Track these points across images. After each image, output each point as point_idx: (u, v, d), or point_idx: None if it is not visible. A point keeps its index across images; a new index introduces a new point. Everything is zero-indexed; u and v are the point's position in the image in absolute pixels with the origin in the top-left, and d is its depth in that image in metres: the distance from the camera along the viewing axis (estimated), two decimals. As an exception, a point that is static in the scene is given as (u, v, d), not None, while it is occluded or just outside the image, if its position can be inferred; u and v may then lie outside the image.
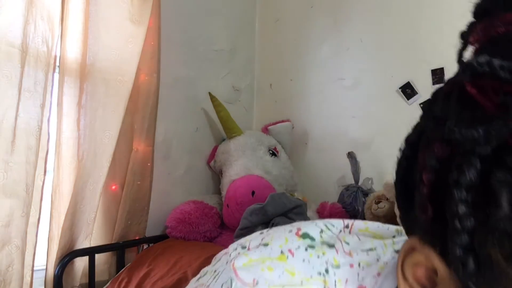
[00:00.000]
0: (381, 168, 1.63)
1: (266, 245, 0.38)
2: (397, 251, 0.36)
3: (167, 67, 1.63)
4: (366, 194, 1.60)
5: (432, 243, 0.27)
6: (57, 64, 1.28)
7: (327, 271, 0.35)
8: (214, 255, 1.45)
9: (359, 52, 1.75)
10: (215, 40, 1.92)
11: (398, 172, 0.31)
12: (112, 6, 1.39)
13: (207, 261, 1.29)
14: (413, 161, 0.29)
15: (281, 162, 1.72)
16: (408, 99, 1.60)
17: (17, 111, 1.16)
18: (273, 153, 1.71)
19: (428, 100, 0.29)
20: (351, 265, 0.35)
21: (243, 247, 0.39)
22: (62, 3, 1.27)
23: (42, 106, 1.21)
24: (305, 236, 0.38)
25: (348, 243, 0.37)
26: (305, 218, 1.47)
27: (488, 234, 0.23)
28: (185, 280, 1.24)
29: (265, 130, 1.81)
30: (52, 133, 1.27)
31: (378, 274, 0.34)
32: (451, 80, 0.27)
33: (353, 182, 1.65)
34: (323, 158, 1.85)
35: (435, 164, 0.26)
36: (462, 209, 0.24)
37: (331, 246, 0.37)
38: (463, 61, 0.29)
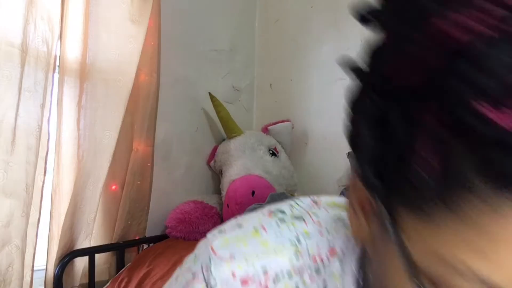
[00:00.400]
0: (381, 168, 1.63)
1: (240, 226, 0.41)
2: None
3: (167, 67, 1.63)
4: (366, 194, 1.60)
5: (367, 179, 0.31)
6: (57, 64, 1.28)
7: (298, 240, 0.38)
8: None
9: (359, 52, 1.75)
10: (215, 40, 1.92)
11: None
12: (112, 6, 1.39)
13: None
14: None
15: (281, 162, 1.72)
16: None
17: (17, 111, 1.16)
18: (273, 153, 1.71)
19: None
20: (321, 233, 0.39)
21: (220, 232, 0.41)
22: (62, 3, 1.27)
23: (42, 106, 1.21)
24: (276, 212, 0.41)
25: (316, 215, 0.40)
26: (305, 218, 1.47)
27: (386, 156, 0.26)
28: (185, 280, 1.24)
29: (265, 130, 1.81)
30: (52, 133, 1.27)
31: (348, 238, 0.38)
32: None
33: (353, 182, 1.65)
34: (323, 158, 1.85)
35: (350, 102, 0.32)
36: (364, 129, 0.28)
37: (300, 218, 0.40)
38: None
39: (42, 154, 1.22)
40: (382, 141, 0.26)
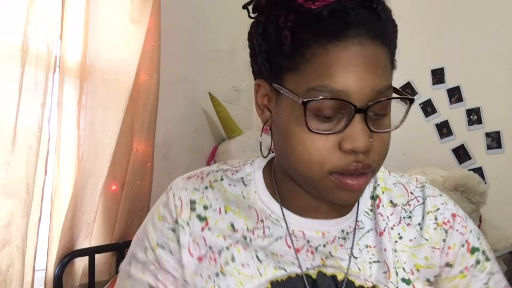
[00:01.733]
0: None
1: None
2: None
3: (167, 67, 1.63)
4: (366, 194, 1.60)
5: (260, 75, 0.50)
6: (57, 64, 1.28)
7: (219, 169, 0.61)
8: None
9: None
10: (215, 40, 1.92)
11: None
12: (112, 6, 1.39)
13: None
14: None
15: (281, 162, 1.72)
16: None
17: (17, 111, 1.16)
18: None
19: None
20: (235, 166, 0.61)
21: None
22: (62, 3, 1.27)
23: (42, 106, 1.21)
24: (206, 172, 0.61)
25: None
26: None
27: (270, 49, 0.47)
28: (185, 280, 1.24)
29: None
30: (52, 133, 1.27)
31: (252, 160, 0.62)
32: None
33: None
34: (323, 158, 1.85)
35: (250, 31, 0.54)
36: (257, 41, 0.49)
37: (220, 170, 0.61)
38: None
39: (42, 154, 1.22)
40: (266, 42, 0.46)
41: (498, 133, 1.66)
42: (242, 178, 0.56)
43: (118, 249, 1.48)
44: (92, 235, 1.39)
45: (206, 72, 1.87)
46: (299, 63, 0.43)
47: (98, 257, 1.41)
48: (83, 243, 1.37)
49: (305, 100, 0.42)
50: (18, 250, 1.16)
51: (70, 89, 1.32)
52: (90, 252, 1.38)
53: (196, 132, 1.83)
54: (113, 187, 1.48)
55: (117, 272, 1.45)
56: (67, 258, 1.31)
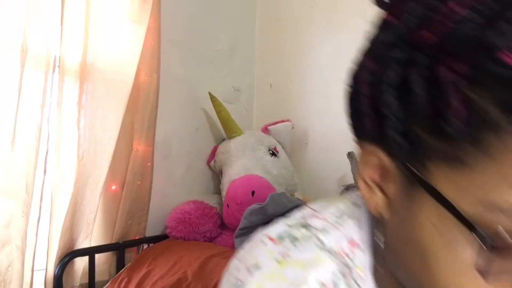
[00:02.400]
0: (381, 168, 1.63)
1: (257, 266, 0.37)
2: (354, 204, 0.40)
3: (167, 67, 1.62)
4: (366, 194, 1.60)
5: (378, 141, 0.32)
6: (57, 64, 1.28)
7: (321, 241, 0.37)
8: (214, 255, 1.45)
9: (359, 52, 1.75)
10: (215, 40, 1.92)
11: (346, 99, 0.36)
12: (112, 6, 1.39)
13: (207, 261, 1.29)
14: (355, 88, 0.35)
15: (281, 162, 1.72)
16: (408, 99, 1.60)
17: (17, 111, 1.16)
18: (273, 153, 1.71)
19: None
20: (334, 227, 0.38)
21: (242, 284, 0.37)
22: (62, 3, 1.27)
23: (42, 106, 1.21)
24: (280, 238, 0.38)
25: (318, 214, 0.39)
26: (305, 218, 1.47)
27: (412, 116, 0.28)
28: (185, 280, 1.24)
29: (265, 130, 1.81)
30: (52, 133, 1.27)
31: (358, 227, 0.38)
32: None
33: (353, 182, 1.65)
34: (323, 158, 1.85)
35: (368, 76, 0.32)
36: (388, 97, 0.29)
37: (306, 225, 0.38)
38: None
39: (42, 154, 1.22)
40: (406, 103, 0.28)
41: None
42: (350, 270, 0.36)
43: (118, 249, 1.48)
44: (92, 235, 1.39)
45: (206, 72, 1.87)
46: (470, 155, 0.25)
47: (98, 257, 1.42)
48: (83, 243, 1.37)
49: (494, 244, 0.24)
50: (18, 250, 1.16)
51: (70, 89, 1.32)
52: (90, 252, 1.38)
53: (196, 132, 1.83)
54: (113, 187, 1.48)
55: (117, 272, 1.45)
56: (67, 258, 1.31)
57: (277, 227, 0.40)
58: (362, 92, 0.32)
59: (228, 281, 0.38)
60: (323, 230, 0.37)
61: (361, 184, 0.35)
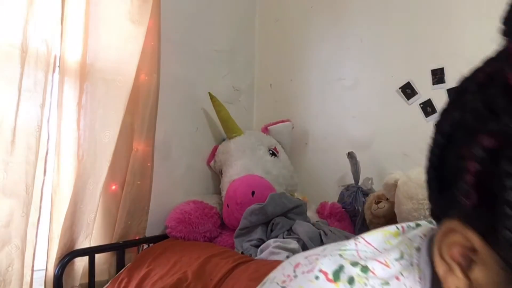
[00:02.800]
0: (381, 168, 1.63)
1: None
2: (417, 249, 0.37)
3: (167, 67, 1.62)
4: (366, 194, 1.60)
5: (474, 225, 0.30)
6: (57, 64, 1.28)
7: None
8: (214, 255, 1.45)
9: (359, 52, 1.75)
10: (215, 40, 1.92)
11: (431, 159, 0.34)
12: (112, 6, 1.39)
13: (207, 261, 1.29)
14: (449, 151, 0.32)
15: (281, 162, 1.72)
16: (408, 99, 1.60)
17: (17, 111, 1.16)
18: (273, 153, 1.71)
19: (456, 88, 0.32)
20: (397, 278, 0.35)
21: None
22: (62, 3, 1.27)
23: (42, 106, 1.21)
24: (336, 276, 0.35)
25: (380, 257, 0.37)
26: (305, 218, 1.47)
27: None
28: (185, 280, 1.24)
29: (265, 130, 1.81)
30: (52, 133, 1.27)
31: (420, 278, 0.35)
32: (482, 69, 0.30)
33: (353, 182, 1.65)
34: (323, 158, 1.85)
35: (482, 155, 0.28)
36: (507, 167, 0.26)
37: (365, 268, 0.35)
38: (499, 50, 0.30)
39: (42, 154, 1.22)
40: None
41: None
42: None
43: (118, 249, 1.48)
44: (92, 235, 1.39)
45: (206, 72, 1.87)
46: None
47: (98, 257, 1.41)
48: (83, 243, 1.37)
49: None
50: (18, 250, 1.16)
51: (70, 89, 1.32)
52: (90, 252, 1.38)
53: (196, 132, 1.83)
54: (113, 187, 1.48)
55: (117, 272, 1.45)
56: (67, 258, 1.31)
57: (331, 259, 0.36)
58: (468, 168, 0.29)
59: None
60: (385, 281, 0.34)
61: (437, 260, 0.33)
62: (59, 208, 1.31)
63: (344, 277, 0.34)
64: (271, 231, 1.41)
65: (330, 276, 0.34)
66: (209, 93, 1.74)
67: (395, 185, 1.37)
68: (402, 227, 0.41)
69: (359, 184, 1.63)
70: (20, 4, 1.16)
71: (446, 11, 1.56)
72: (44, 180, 1.24)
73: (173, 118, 1.72)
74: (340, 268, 0.35)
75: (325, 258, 0.36)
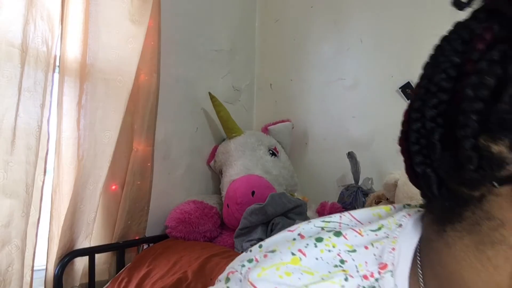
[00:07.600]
0: (381, 168, 1.63)
1: (273, 251, 0.36)
2: (399, 225, 0.38)
3: (167, 67, 1.63)
4: (366, 194, 1.60)
5: None
6: (57, 64, 1.28)
7: (342, 261, 0.35)
8: (214, 255, 1.45)
9: (359, 52, 1.75)
10: (215, 40, 1.92)
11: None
12: (112, 6, 1.39)
13: (207, 261, 1.29)
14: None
15: (281, 162, 1.72)
16: (408, 99, 1.60)
17: (17, 111, 1.16)
18: (273, 153, 1.71)
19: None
20: (366, 247, 0.36)
21: (250, 261, 0.37)
22: (62, 3, 1.27)
23: (42, 106, 1.21)
24: (308, 235, 0.38)
25: (355, 226, 0.38)
26: (305, 218, 1.47)
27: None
28: (185, 280, 1.24)
29: (265, 130, 1.81)
30: (52, 133, 1.26)
31: (393, 249, 0.36)
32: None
33: (353, 182, 1.65)
34: (323, 158, 1.85)
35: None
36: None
37: (338, 233, 0.37)
38: None
39: (42, 154, 1.22)
40: None
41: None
42: None
43: (118, 249, 1.48)
44: (92, 235, 1.39)
45: (206, 72, 1.87)
46: None
47: (98, 257, 1.42)
48: (83, 243, 1.37)
49: None
50: (18, 250, 1.16)
51: (70, 89, 1.32)
52: (90, 252, 1.38)
53: (196, 132, 1.83)
54: (113, 187, 1.48)
55: (117, 272, 1.46)
56: (67, 257, 1.31)
57: (312, 226, 0.39)
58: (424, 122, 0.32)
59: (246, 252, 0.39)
60: (352, 248, 0.36)
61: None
62: (59, 208, 1.31)
63: (315, 236, 0.37)
64: (271, 231, 1.41)
65: (304, 235, 0.38)
66: (209, 93, 1.74)
67: (395, 185, 1.37)
68: (394, 206, 0.42)
69: (359, 184, 1.63)
70: (20, 4, 1.15)
71: (446, 11, 1.56)
72: (44, 180, 1.24)
73: (173, 118, 1.72)
74: (317, 234, 0.37)
75: (308, 224, 0.39)
